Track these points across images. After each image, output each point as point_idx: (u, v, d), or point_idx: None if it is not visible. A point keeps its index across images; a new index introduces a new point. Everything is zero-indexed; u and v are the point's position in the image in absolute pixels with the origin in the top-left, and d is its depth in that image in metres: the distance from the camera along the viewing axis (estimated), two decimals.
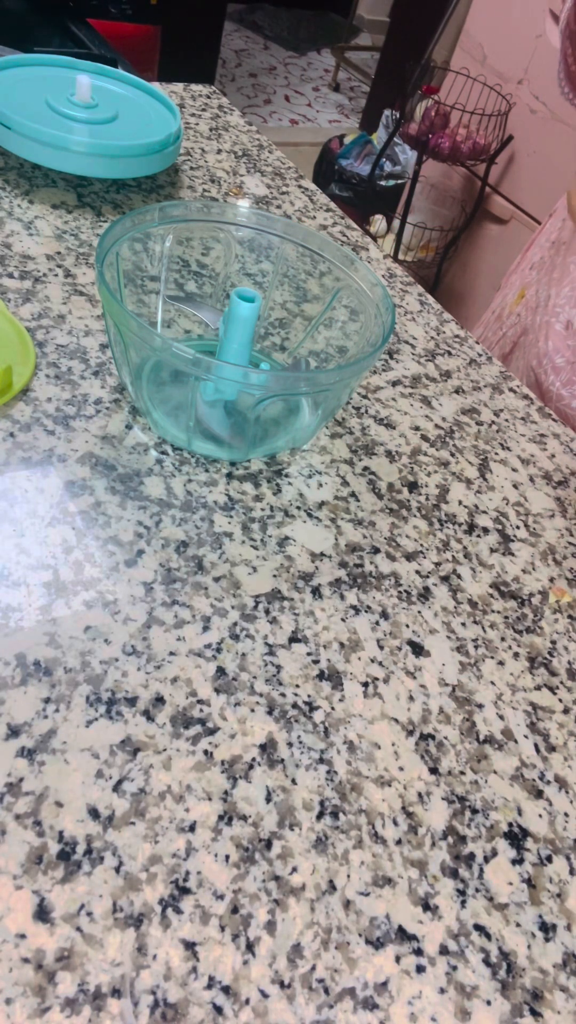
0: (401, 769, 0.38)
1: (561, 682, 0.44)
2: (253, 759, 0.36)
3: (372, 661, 0.42)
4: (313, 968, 0.31)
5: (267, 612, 0.42)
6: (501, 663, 0.44)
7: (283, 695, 0.39)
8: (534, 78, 1.60)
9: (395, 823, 0.36)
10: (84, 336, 0.56)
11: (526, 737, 0.41)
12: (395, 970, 0.32)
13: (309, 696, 0.39)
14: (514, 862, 0.36)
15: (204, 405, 0.50)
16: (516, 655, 0.45)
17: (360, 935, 0.32)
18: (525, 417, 0.63)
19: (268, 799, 0.35)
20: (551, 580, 0.50)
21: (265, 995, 0.30)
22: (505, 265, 1.71)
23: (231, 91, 3.33)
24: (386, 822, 0.36)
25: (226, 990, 0.30)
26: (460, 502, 0.53)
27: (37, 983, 0.28)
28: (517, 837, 0.37)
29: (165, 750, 0.36)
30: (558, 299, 0.82)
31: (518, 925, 0.34)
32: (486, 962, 0.33)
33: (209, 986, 0.29)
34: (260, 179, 0.83)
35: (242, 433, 0.49)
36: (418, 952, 0.32)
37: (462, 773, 0.38)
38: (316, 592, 0.44)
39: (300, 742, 0.38)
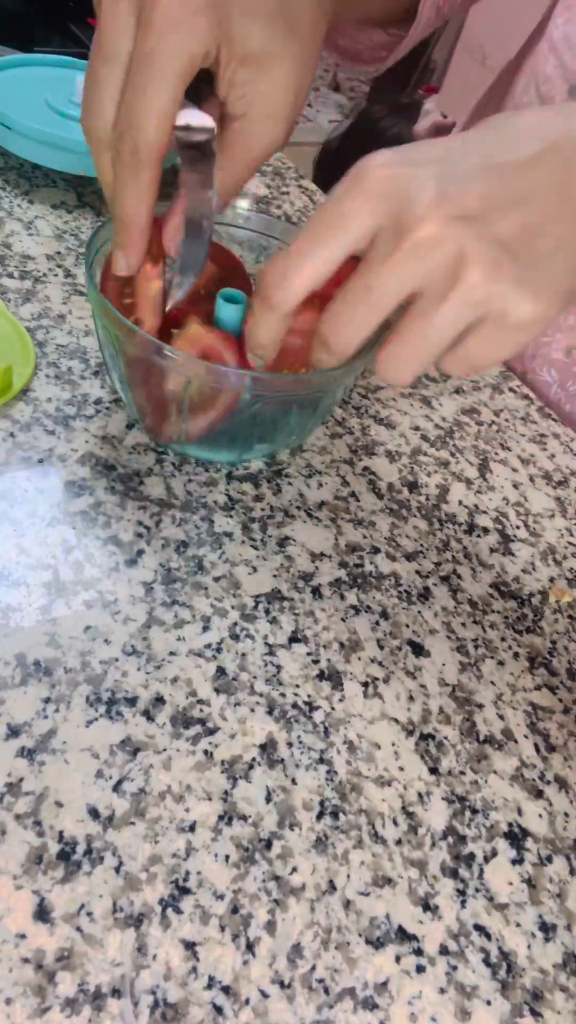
0: (401, 769, 0.38)
1: (561, 682, 0.44)
2: (253, 759, 0.36)
3: (372, 661, 0.42)
4: (313, 968, 0.31)
5: (267, 612, 0.43)
6: (501, 663, 0.44)
7: (283, 695, 0.39)
8: None
9: (395, 823, 0.36)
10: (84, 336, 0.56)
11: (526, 737, 0.41)
12: (395, 970, 0.32)
13: (309, 696, 0.39)
14: (514, 862, 0.36)
15: None
16: (516, 655, 0.45)
17: (360, 935, 0.32)
18: (525, 417, 0.63)
19: (268, 799, 0.35)
20: (551, 580, 0.50)
21: (265, 995, 0.30)
22: None
23: None
24: (386, 822, 0.36)
25: (226, 990, 0.30)
26: (460, 502, 0.53)
27: (37, 983, 0.28)
28: (517, 837, 0.37)
29: (165, 750, 0.36)
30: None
31: (518, 925, 0.34)
32: (486, 962, 0.33)
33: (209, 986, 0.30)
34: (260, 179, 0.83)
35: (234, 435, 0.49)
36: (418, 952, 0.32)
37: (462, 773, 0.39)
38: (316, 592, 0.44)
39: (300, 742, 0.38)
